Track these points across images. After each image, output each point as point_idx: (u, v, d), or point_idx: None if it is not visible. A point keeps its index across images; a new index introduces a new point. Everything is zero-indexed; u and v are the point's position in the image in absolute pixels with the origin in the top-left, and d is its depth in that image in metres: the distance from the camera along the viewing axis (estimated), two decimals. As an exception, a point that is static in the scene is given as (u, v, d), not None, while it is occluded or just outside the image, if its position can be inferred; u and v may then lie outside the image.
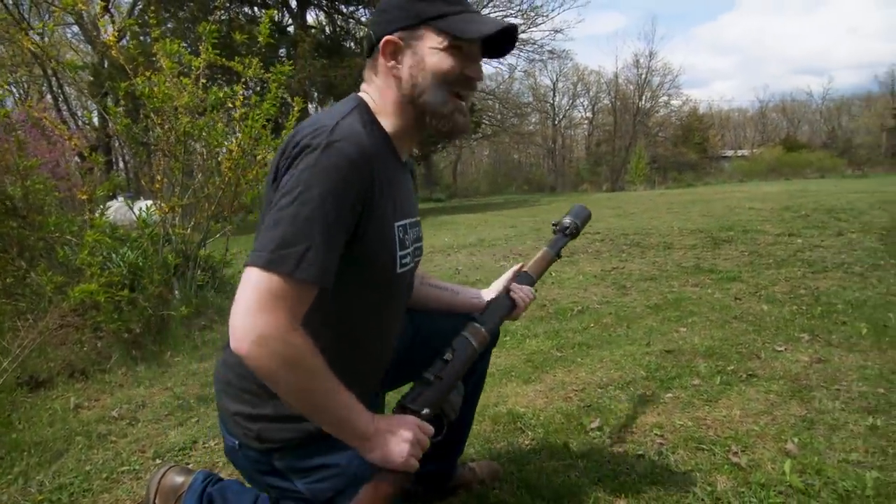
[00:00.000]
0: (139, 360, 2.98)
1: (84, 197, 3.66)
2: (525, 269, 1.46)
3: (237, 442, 1.09)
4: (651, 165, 29.45)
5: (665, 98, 36.14)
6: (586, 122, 40.60)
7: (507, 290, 1.37)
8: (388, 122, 1.06)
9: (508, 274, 1.46)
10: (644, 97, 35.24)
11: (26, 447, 2.08)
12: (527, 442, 1.89)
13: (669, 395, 2.19)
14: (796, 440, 1.76)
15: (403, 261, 1.06)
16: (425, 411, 1.06)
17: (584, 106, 40.81)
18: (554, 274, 4.82)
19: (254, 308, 0.85)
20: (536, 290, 1.46)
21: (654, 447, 1.79)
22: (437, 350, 1.18)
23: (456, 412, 1.15)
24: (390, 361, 1.22)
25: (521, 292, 1.38)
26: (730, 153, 39.13)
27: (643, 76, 35.00)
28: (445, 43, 1.01)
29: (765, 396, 2.12)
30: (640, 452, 1.76)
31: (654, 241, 6.34)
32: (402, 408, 1.07)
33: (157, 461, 1.94)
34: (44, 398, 2.60)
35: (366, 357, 1.13)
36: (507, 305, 1.35)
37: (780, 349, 2.62)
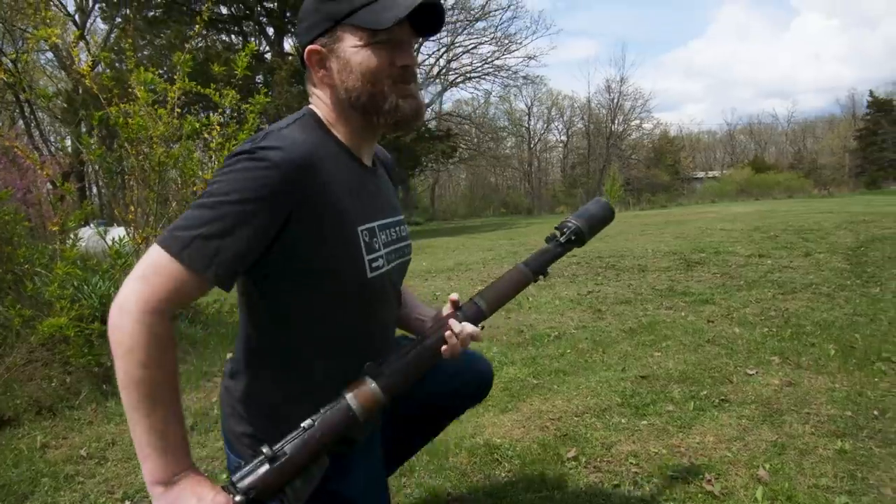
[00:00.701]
0: (109, 394, 2.91)
1: (55, 228, 3.60)
2: (478, 294, 1.12)
3: (242, 462, 1.08)
4: (625, 187, 29.97)
5: (637, 121, 37.17)
6: (561, 145, 41.40)
7: (438, 326, 1.08)
8: (338, 130, 1.04)
9: (447, 305, 1.16)
10: (616, 121, 36.17)
11: (-11, 491, 2.01)
12: (503, 474, 1.89)
13: (644, 422, 2.21)
14: (768, 466, 1.80)
15: (374, 264, 1.01)
16: (238, 499, 0.86)
17: (558, 129, 41.70)
18: (531, 298, 4.86)
19: (133, 275, 0.87)
20: (493, 319, 1.19)
21: (629, 476, 1.80)
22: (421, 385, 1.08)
23: (300, 501, 0.92)
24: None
25: (456, 333, 1.06)
26: (701, 174, 40.09)
27: (615, 100, 35.96)
28: (365, 39, 0.97)
29: (737, 422, 2.16)
30: (615, 482, 1.77)
31: (628, 263, 6.43)
32: (229, 483, 0.90)
33: (127, 503, 1.89)
34: (9, 437, 2.51)
35: (355, 362, 1.02)
36: (428, 350, 1.05)
37: (751, 373, 2.67)
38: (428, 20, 1.02)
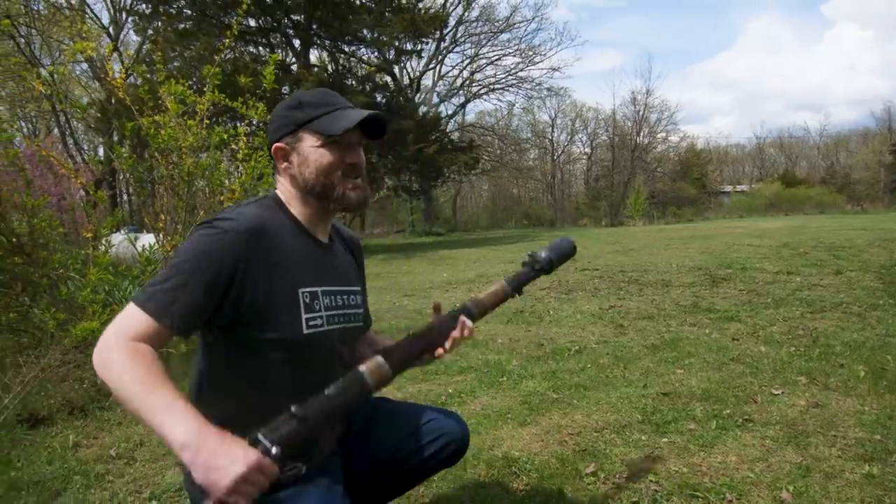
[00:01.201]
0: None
1: (88, 234, 3.72)
2: (471, 301, 1.28)
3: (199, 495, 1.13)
4: (650, 200, 29.69)
5: (663, 134, 36.71)
6: (585, 157, 41.11)
7: (432, 323, 1.25)
8: (297, 210, 1.23)
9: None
10: (642, 133, 35.78)
11: (25, 486, 2.08)
12: (521, 487, 1.89)
13: (665, 439, 2.20)
14: (791, 488, 1.77)
15: (311, 322, 1.16)
16: (275, 450, 0.95)
17: (582, 141, 41.41)
18: (552, 312, 4.85)
19: (111, 323, 1.04)
20: (477, 327, 1.27)
21: (648, 494, 1.79)
22: (395, 436, 1.33)
23: (321, 458, 1.15)
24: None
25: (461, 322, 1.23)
26: (729, 188, 39.45)
27: (640, 112, 35.61)
28: (321, 141, 1.18)
29: (761, 442, 2.13)
30: (634, 499, 1.76)
31: (652, 278, 6.37)
32: (254, 439, 0.98)
33: (154, 503, 1.94)
34: (43, 435, 2.60)
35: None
36: (423, 342, 1.20)
37: (776, 392, 2.63)
38: (374, 128, 1.23)
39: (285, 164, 1.21)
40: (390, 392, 2.45)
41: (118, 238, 5.15)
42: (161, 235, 3.95)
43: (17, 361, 3.21)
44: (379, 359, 1.11)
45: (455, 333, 1.21)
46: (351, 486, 1.33)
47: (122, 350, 0.99)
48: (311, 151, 1.18)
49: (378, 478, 1.38)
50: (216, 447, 0.92)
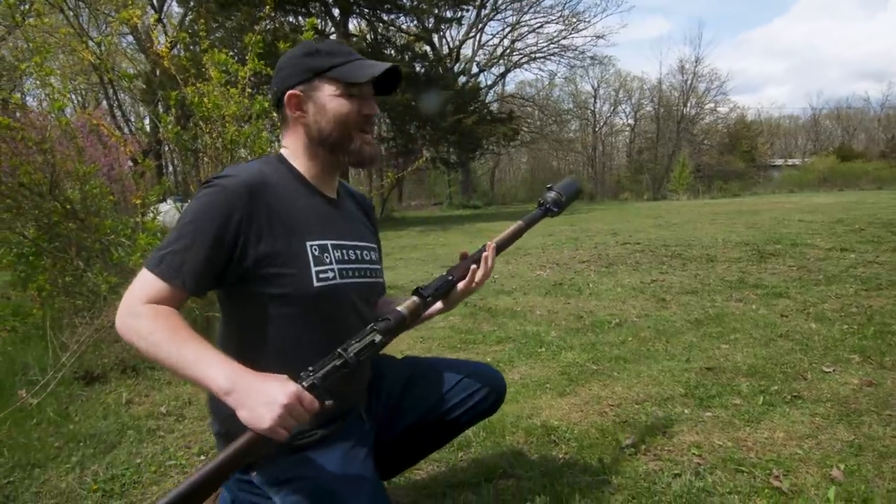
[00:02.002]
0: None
1: (137, 201, 3.83)
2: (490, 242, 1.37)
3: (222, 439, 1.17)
4: (695, 174, 28.76)
5: (711, 105, 35.26)
6: (628, 128, 39.96)
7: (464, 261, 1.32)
8: (303, 164, 1.21)
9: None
10: (689, 104, 34.46)
11: (82, 438, 2.20)
12: (560, 455, 1.89)
13: (709, 413, 2.15)
14: (842, 466, 1.71)
15: (321, 275, 1.13)
16: (315, 383, 0.99)
17: (625, 112, 40.22)
18: (591, 285, 4.78)
19: (128, 291, 1.06)
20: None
21: (691, 467, 1.76)
22: (431, 390, 1.35)
23: (350, 402, 1.20)
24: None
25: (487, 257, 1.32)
26: (780, 162, 37.81)
27: (688, 82, 34.25)
28: (340, 90, 1.16)
29: (810, 419, 2.06)
30: (676, 472, 1.74)
31: (696, 253, 6.20)
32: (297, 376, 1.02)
33: (202, 457, 2.01)
34: (98, 392, 2.73)
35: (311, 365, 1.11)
36: (454, 276, 1.28)
37: (828, 370, 2.54)
38: (388, 83, 1.23)
39: (298, 112, 1.17)
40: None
41: (165, 207, 5.30)
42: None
43: (73, 322, 3.37)
44: (414, 298, 1.19)
45: (486, 258, 1.29)
46: (392, 446, 1.37)
47: (142, 314, 1.01)
48: (330, 100, 1.16)
49: (421, 432, 1.39)
50: (256, 386, 0.94)
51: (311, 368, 1.01)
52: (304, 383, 0.98)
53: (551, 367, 2.77)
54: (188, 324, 1.02)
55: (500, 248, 1.35)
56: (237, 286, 1.12)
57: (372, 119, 1.21)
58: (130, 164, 5.93)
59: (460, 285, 1.28)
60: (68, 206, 3.65)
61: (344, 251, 1.20)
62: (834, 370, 2.53)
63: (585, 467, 1.79)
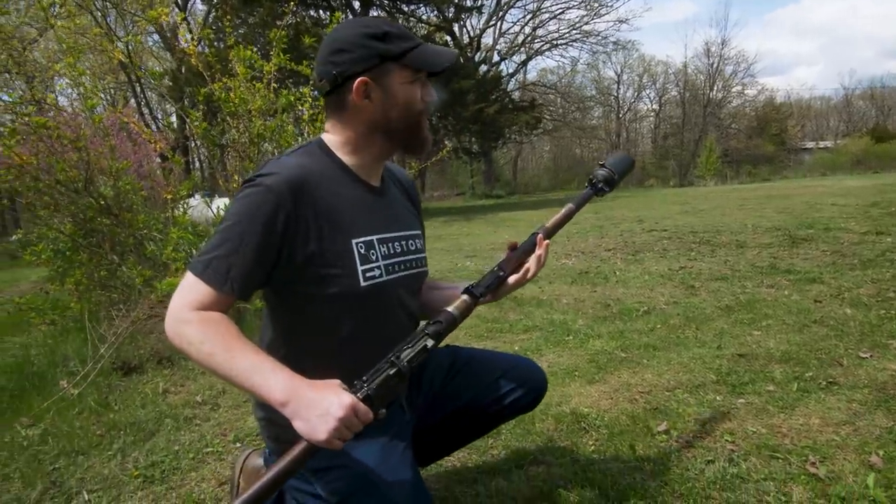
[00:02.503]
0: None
1: (168, 196, 3.92)
2: (540, 227, 1.32)
3: (268, 450, 1.21)
4: (723, 159, 28.18)
5: (739, 87, 34.43)
6: (652, 114, 39.27)
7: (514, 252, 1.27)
8: (350, 153, 1.16)
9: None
10: (715, 87, 33.71)
11: (123, 427, 2.27)
12: (591, 443, 1.89)
13: (742, 400, 2.12)
14: (881, 453, 1.67)
15: (368, 274, 1.12)
16: (370, 393, 0.98)
17: (650, 98, 39.51)
18: (618, 273, 4.74)
19: (174, 296, 1.03)
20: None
21: (724, 453, 1.75)
22: (472, 381, 1.33)
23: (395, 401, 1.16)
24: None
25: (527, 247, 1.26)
26: (811, 145, 36.79)
27: (714, 65, 33.49)
28: (411, 77, 1.12)
29: (847, 405, 2.02)
30: (709, 458, 1.72)
31: (725, 239, 6.09)
32: (351, 384, 1.01)
33: (238, 444, 2.07)
34: (136, 382, 2.81)
35: (360, 362, 1.10)
36: (507, 269, 1.23)
37: (864, 356, 2.48)
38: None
39: (364, 101, 1.11)
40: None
41: (194, 202, 5.40)
42: (234, 196, 4.11)
43: (110, 315, 3.47)
44: (465, 297, 1.15)
45: (538, 251, 1.24)
46: (429, 434, 1.37)
47: (192, 322, 0.99)
48: (401, 87, 1.12)
49: (458, 423, 1.40)
50: (312, 397, 0.93)
51: (364, 378, 1.00)
52: (358, 394, 0.97)
53: (579, 355, 2.76)
54: (239, 330, 1.01)
55: (550, 234, 1.30)
56: (284, 285, 1.11)
57: (432, 105, 1.18)
58: (158, 160, 6.06)
59: (511, 279, 1.23)
60: (102, 202, 3.75)
61: (390, 245, 1.18)
62: (871, 356, 2.47)
63: (616, 454, 1.78)
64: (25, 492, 1.84)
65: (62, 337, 3.59)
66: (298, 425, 0.93)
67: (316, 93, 4.55)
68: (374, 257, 1.13)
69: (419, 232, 1.31)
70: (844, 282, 3.84)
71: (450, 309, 1.12)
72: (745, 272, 4.41)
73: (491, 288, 1.20)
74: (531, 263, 1.24)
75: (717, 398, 2.16)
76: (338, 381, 0.97)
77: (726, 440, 1.83)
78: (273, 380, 0.95)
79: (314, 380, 0.97)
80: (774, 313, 3.22)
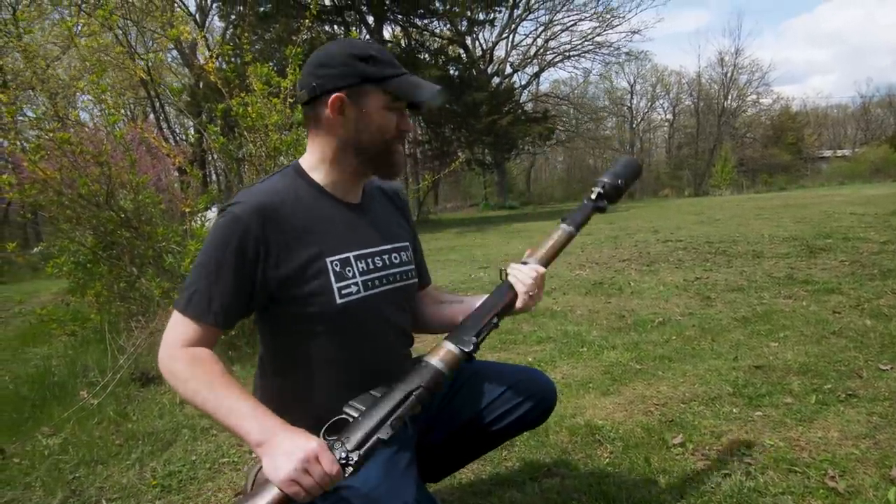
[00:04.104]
0: (235, 360, 3.20)
1: (186, 209, 3.98)
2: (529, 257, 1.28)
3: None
4: (738, 168, 27.92)
5: (753, 97, 34.14)
6: (666, 124, 39.07)
7: (505, 276, 1.26)
8: (324, 172, 1.17)
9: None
10: (730, 96, 33.47)
11: (141, 436, 2.30)
12: (605, 455, 1.88)
13: (759, 413, 2.10)
14: (903, 466, 1.65)
15: (344, 291, 1.12)
16: (345, 449, 0.98)
17: (663, 108, 39.31)
18: (633, 284, 4.72)
19: (164, 334, 1.08)
20: (550, 275, 1.26)
21: (741, 467, 1.73)
22: (476, 397, 1.32)
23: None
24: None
25: (521, 274, 1.23)
26: (828, 154, 36.33)
27: (728, 74, 33.27)
28: (388, 102, 1.12)
29: (867, 418, 1.99)
30: (726, 471, 1.71)
31: (741, 249, 6.03)
32: (326, 439, 1.01)
33: (253, 455, 2.08)
34: (153, 393, 2.85)
35: (346, 378, 1.15)
36: (501, 298, 1.20)
37: (885, 368, 2.44)
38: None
39: (337, 117, 1.11)
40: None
41: (211, 214, 5.48)
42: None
43: (129, 326, 3.52)
44: (449, 346, 1.11)
45: (527, 280, 1.21)
46: (436, 450, 1.36)
47: (180, 359, 1.03)
48: (376, 111, 1.12)
49: (465, 439, 1.37)
50: (283, 438, 0.96)
51: (346, 436, 0.99)
52: (337, 453, 0.97)
53: (593, 367, 2.75)
54: (224, 368, 1.04)
55: (548, 263, 1.27)
56: (266, 310, 1.14)
57: (406, 135, 1.18)
58: (176, 173, 6.17)
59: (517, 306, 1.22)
60: (122, 216, 3.82)
61: (368, 260, 1.18)
62: (891, 368, 2.43)
63: (631, 466, 1.77)
64: (46, 500, 1.88)
65: (82, 348, 3.65)
66: (264, 463, 0.96)
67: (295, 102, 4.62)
68: (350, 274, 1.14)
69: (406, 244, 1.29)
70: (864, 292, 3.79)
71: (433, 362, 1.09)
72: (762, 283, 4.36)
73: (483, 339, 1.15)
74: (528, 300, 1.22)
75: (734, 410, 2.14)
76: (309, 434, 0.98)
77: (743, 453, 1.81)
78: (249, 423, 0.98)
79: (291, 425, 0.99)
80: (792, 324, 3.19)
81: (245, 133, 4.02)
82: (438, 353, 1.10)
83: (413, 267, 1.29)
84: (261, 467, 1.52)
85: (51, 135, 3.42)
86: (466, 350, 1.11)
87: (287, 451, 0.94)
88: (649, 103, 38.75)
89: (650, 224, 10.04)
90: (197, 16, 20.44)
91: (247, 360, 3.20)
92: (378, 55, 1.12)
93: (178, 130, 23.58)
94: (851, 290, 3.89)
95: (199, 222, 4.06)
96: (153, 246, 3.85)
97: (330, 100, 1.10)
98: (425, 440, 1.32)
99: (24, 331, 4.53)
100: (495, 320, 1.18)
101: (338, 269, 1.12)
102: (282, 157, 4.23)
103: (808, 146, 35.12)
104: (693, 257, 5.84)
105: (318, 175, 1.17)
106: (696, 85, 35.26)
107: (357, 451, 0.98)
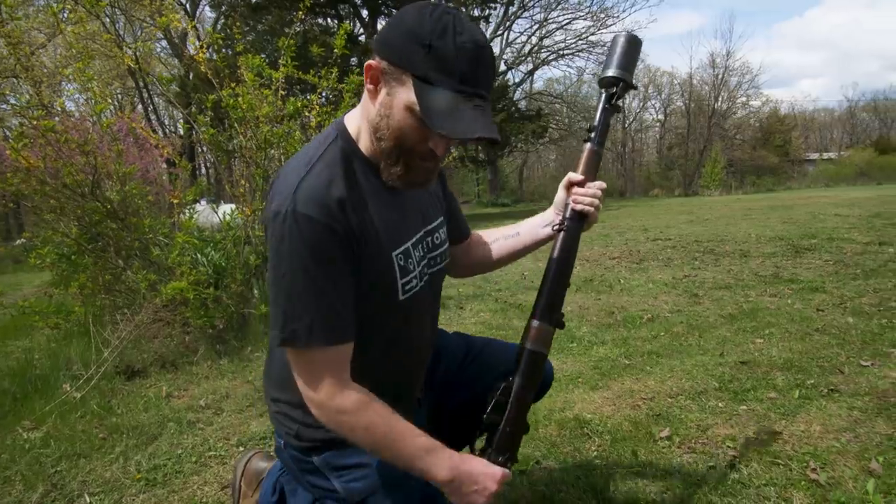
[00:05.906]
0: (223, 353, 3.18)
1: (175, 201, 3.95)
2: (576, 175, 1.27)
3: (283, 441, 1.19)
4: (727, 169, 28.16)
5: (743, 99, 34.42)
6: (658, 124, 39.31)
7: (564, 206, 1.27)
8: (367, 145, 1.03)
9: (561, 192, 1.31)
10: (720, 98, 33.71)
11: (125, 430, 2.28)
12: (593, 448, 1.89)
13: (744, 407, 2.12)
14: (881, 459, 1.67)
15: (406, 287, 1.07)
16: (505, 460, 1.11)
17: (655, 108, 39.54)
18: (622, 281, 4.74)
19: (304, 384, 1.00)
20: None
21: (726, 459, 1.75)
22: (488, 367, 1.30)
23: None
24: (425, 372, 1.28)
25: (585, 196, 1.23)
26: (814, 156, 36.76)
27: (719, 76, 33.51)
28: (413, 106, 0.91)
29: (847, 413, 2.02)
30: (711, 464, 1.72)
31: (729, 248, 6.09)
32: (488, 455, 1.12)
33: (241, 448, 2.07)
34: (139, 386, 2.82)
35: (392, 374, 1.16)
36: (574, 231, 1.25)
37: (865, 364, 2.48)
38: None
39: (371, 86, 0.97)
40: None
41: (200, 207, 5.44)
42: (241, 202, 4.13)
43: (114, 319, 3.48)
44: (534, 322, 1.22)
45: (594, 201, 1.24)
46: (441, 429, 1.36)
47: (348, 412, 0.98)
48: (399, 107, 0.93)
49: (469, 412, 1.33)
50: (469, 472, 1.02)
51: (491, 449, 1.12)
52: (508, 465, 1.10)
53: (583, 362, 2.76)
54: (390, 410, 1.01)
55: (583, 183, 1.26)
56: None
57: (432, 157, 0.99)
58: (165, 165, 6.11)
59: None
60: (108, 207, 3.78)
61: (421, 246, 1.12)
62: (872, 364, 2.47)
63: (619, 459, 1.79)
64: (26, 494, 1.85)
65: (66, 341, 3.60)
66: (455, 500, 1.03)
67: (324, 100, 4.59)
68: (411, 267, 1.07)
69: (441, 219, 1.21)
70: (847, 291, 3.84)
71: (530, 346, 1.21)
72: (749, 281, 4.40)
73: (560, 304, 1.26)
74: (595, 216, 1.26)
75: (720, 405, 2.16)
76: (484, 461, 1.07)
77: (728, 446, 1.83)
78: (434, 463, 1.01)
79: (457, 452, 1.05)
80: (777, 322, 3.22)
81: (235, 125, 3.99)
82: (531, 334, 1.20)
83: (447, 242, 1.23)
84: (250, 458, 1.52)
85: (35, 122, 3.37)
86: (557, 323, 1.23)
87: (480, 487, 1.02)
88: (641, 103, 38.93)
89: (640, 223, 10.10)
90: (187, 5, 20.25)
91: (234, 354, 3.19)
92: (442, 48, 0.89)
93: (167, 122, 23.38)
94: (835, 288, 3.94)
95: (187, 214, 4.02)
96: (140, 238, 3.81)
97: (366, 64, 0.96)
98: (436, 413, 1.33)
99: (5, 323, 4.46)
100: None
101: (402, 263, 1.05)
102: (272, 150, 4.21)
103: (796, 149, 35.53)
104: (682, 256, 5.88)
105: (364, 143, 1.03)
106: (687, 86, 35.48)
107: (505, 456, 1.12)
